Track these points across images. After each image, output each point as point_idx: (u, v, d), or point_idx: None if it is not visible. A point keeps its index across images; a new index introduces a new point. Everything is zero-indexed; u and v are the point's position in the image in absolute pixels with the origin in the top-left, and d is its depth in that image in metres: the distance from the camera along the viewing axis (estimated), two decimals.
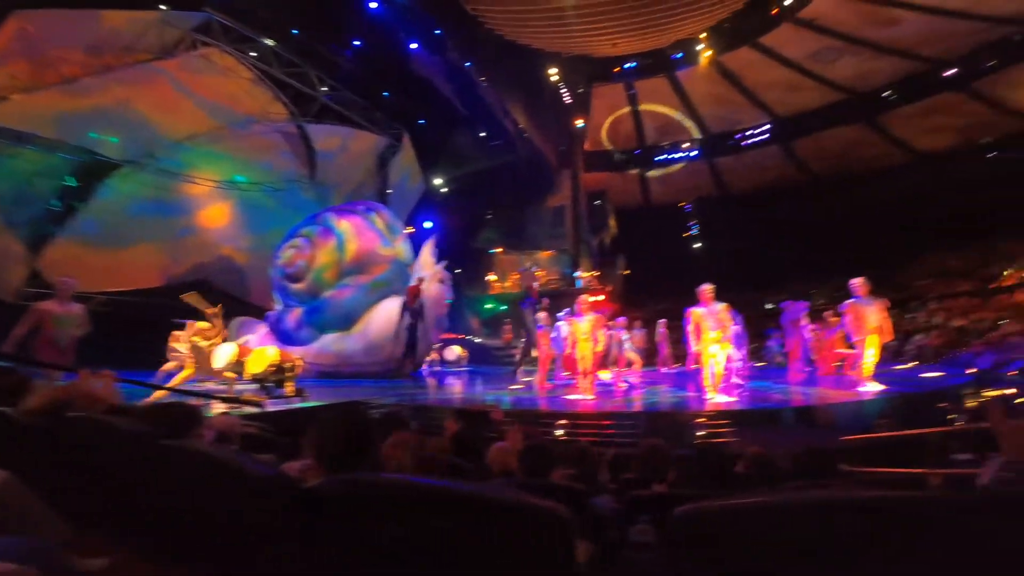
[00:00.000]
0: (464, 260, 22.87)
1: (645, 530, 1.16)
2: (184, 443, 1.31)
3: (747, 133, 23.88)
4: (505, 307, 23.34)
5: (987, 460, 1.30)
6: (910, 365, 12.70)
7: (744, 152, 24.42)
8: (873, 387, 8.00)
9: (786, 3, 17.49)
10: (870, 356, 8.25)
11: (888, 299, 8.86)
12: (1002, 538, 0.77)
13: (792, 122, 22.91)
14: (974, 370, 10.85)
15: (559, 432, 6.78)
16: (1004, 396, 7.95)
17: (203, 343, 8.13)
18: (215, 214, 17.56)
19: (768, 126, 23.48)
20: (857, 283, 8.45)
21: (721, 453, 2.24)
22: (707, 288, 7.99)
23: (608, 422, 7.10)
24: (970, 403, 8.13)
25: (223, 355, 8.30)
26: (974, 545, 0.78)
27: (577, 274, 22.79)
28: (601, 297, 21.43)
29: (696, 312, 7.94)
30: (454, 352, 17.02)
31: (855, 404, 7.42)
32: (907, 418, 7.00)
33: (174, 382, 7.68)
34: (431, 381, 14.41)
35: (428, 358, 15.85)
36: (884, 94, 20.77)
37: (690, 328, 8.01)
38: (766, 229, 23.26)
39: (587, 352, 8.45)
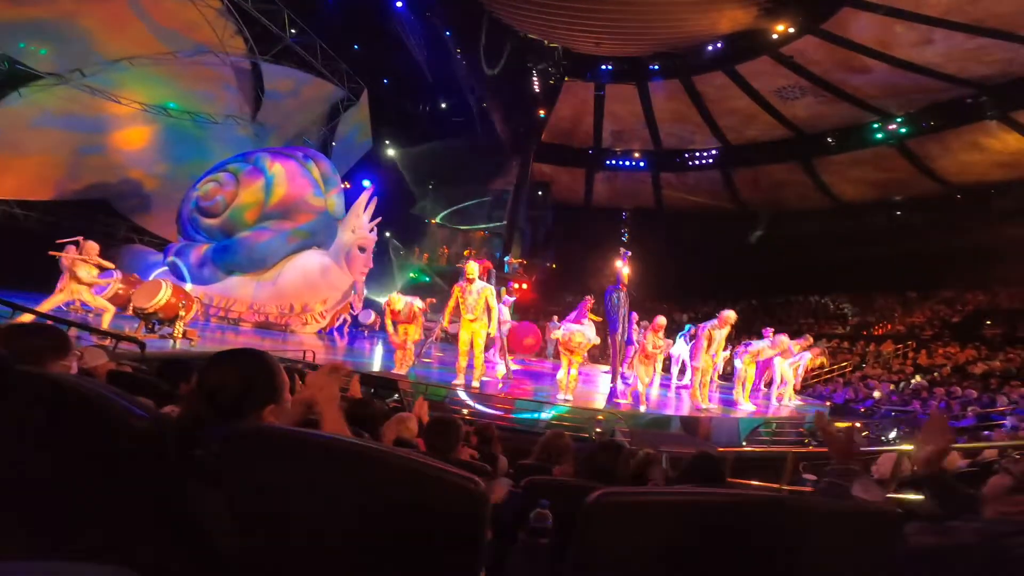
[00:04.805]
0: (397, 226, 22.31)
1: (543, 515, 1.18)
2: (43, 371, 1.13)
3: (696, 154, 24.62)
4: (428, 279, 23.02)
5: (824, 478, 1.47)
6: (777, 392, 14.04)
7: (688, 172, 25.31)
8: (748, 407, 8.87)
9: (773, 37, 17.18)
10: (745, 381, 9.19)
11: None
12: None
13: (738, 151, 23.60)
14: (829, 403, 12.36)
15: (465, 411, 6.82)
16: (849, 426, 9.10)
17: (87, 269, 7.24)
18: (132, 136, 16.37)
19: (716, 151, 24.27)
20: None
21: (619, 449, 2.34)
22: (731, 314, 8.49)
23: (509, 407, 7.20)
24: None
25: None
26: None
27: (507, 259, 22.94)
28: (525, 286, 21.80)
29: (717, 333, 8.46)
30: (369, 316, 16.52)
31: (731, 421, 8.11)
32: (772, 438, 7.85)
33: (45, 305, 6.80)
34: (340, 342, 13.94)
35: (341, 319, 15.30)
36: (827, 139, 21.16)
37: (703, 344, 8.51)
38: (686, 247, 24.48)
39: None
